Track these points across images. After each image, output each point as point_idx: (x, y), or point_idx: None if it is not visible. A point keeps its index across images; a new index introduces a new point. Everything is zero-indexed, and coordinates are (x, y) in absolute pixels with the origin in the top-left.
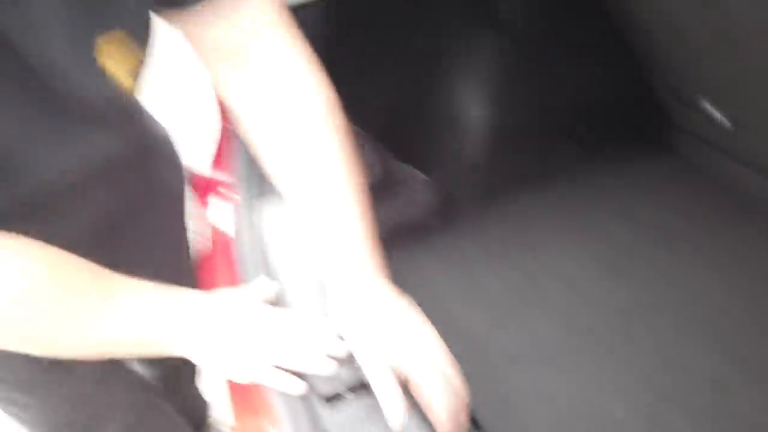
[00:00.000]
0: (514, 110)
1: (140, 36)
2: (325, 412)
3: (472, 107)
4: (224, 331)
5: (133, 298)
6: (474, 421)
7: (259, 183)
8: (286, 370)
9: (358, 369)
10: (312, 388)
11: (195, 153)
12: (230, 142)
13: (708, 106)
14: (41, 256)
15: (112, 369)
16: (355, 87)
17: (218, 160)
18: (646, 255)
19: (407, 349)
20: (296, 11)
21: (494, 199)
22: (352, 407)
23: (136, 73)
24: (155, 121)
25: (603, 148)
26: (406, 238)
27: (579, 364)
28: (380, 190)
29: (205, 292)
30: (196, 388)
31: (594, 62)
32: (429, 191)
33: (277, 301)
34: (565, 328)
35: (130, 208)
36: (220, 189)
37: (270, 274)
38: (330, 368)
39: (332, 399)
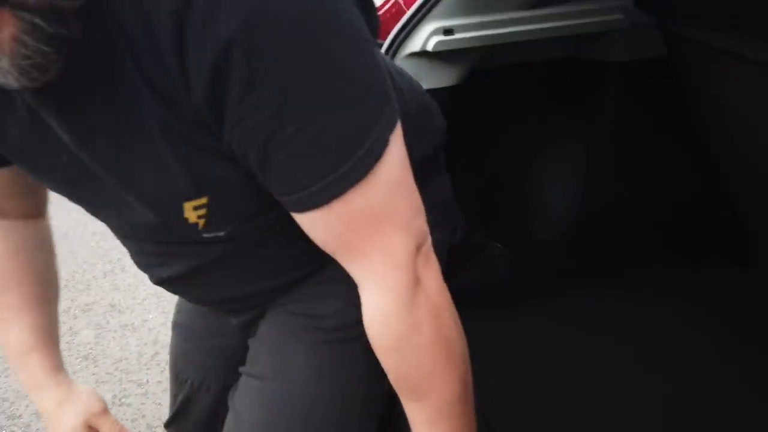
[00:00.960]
0: (595, 206)
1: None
2: None
3: (557, 198)
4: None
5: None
6: None
7: None
8: None
9: None
10: None
11: None
12: None
13: None
14: None
15: None
16: (457, 159)
17: None
18: (702, 362)
19: None
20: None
21: (565, 282)
22: None
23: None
24: None
25: (676, 254)
26: (476, 299)
27: None
28: (459, 253)
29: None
30: None
31: (677, 175)
32: (504, 262)
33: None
34: (605, 410)
35: None
36: None
37: None
38: None
39: None
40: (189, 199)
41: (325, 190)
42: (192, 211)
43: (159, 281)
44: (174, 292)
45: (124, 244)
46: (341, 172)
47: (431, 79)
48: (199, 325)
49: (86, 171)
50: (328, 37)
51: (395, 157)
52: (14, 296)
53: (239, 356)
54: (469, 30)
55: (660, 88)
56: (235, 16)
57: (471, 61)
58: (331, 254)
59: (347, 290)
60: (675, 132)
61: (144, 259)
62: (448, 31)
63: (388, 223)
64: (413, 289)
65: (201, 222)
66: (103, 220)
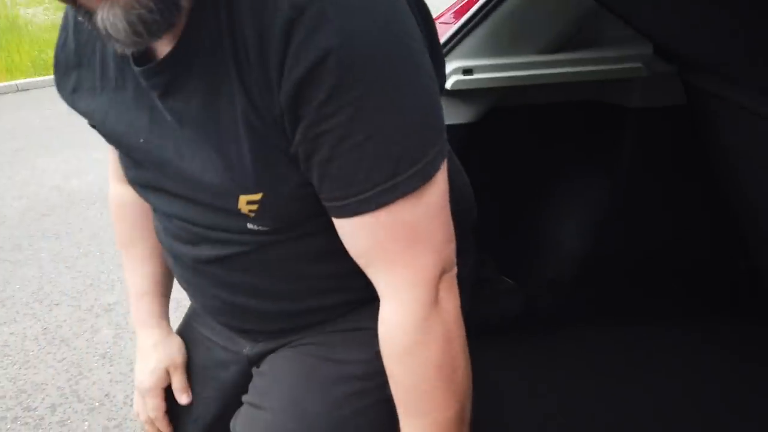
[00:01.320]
0: (607, 249)
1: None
2: None
3: (570, 237)
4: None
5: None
6: None
7: None
8: None
9: None
10: None
11: None
12: None
13: None
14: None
15: None
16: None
17: None
18: (712, 412)
19: None
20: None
21: (571, 321)
22: None
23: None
24: None
25: (690, 302)
26: (482, 333)
27: None
28: (468, 286)
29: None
30: None
31: (694, 223)
32: (512, 297)
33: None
34: None
35: None
36: None
37: None
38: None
39: None
40: (246, 192)
41: (379, 196)
42: (245, 205)
43: (189, 262)
44: (194, 288)
45: (160, 224)
46: (396, 182)
47: (449, 115)
48: (202, 355)
49: (159, 153)
50: (408, 65)
51: (441, 185)
52: (141, 248)
53: (238, 389)
54: (489, 71)
55: (679, 135)
56: (337, 31)
57: (490, 101)
58: (364, 263)
59: (372, 341)
60: (692, 180)
61: (173, 240)
62: (467, 71)
63: (424, 242)
64: (429, 309)
65: (251, 215)
66: (155, 200)
